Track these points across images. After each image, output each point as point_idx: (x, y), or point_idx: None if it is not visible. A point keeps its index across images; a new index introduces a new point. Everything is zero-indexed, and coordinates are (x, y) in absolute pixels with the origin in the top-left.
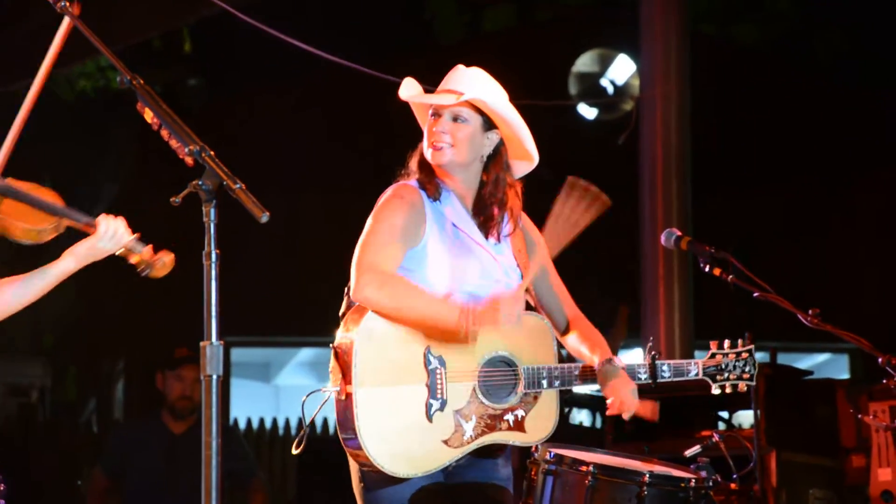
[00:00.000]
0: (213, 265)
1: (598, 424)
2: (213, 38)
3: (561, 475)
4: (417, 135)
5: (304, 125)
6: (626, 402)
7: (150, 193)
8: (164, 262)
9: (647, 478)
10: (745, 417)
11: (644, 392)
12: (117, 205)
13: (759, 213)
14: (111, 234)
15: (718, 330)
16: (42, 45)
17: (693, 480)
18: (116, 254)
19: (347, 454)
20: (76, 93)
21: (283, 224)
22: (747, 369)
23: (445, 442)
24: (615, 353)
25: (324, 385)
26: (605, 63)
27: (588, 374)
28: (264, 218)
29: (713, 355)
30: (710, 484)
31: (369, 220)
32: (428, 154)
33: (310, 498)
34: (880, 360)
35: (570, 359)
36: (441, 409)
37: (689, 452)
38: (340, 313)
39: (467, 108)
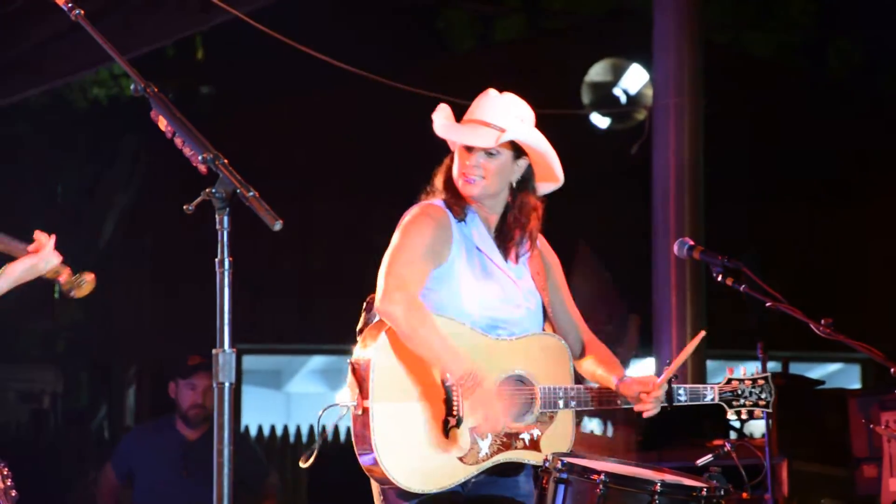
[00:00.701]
0: (227, 273)
1: (609, 433)
2: (226, 46)
3: (572, 484)
4: (428, 143)
5: (318, 133)
6: (653, 387)
7: (162, 201)
8: (87, 281)
9: (658, 486)
10: (757, 427)
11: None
12: (129, 212)
13: (772, 222)
14: (48, 256)
15: (731, 340)
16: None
17: (705, 489)
18: (45, 275)
19: (364, 470)
20: (89, 101)
21: (296, 232)
22: (763, 396)
23: (461, 459)
24: (627, 363)
25: (335, 392)
26: (617, 72)
27: (604, 396)
28: (277, 226)
29: (729, 381)
30: (722, 493)
31: (396, 235)
32: (459, 184)
33: None
34: (892, 370)
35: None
36: (457, 425)
37: (700, 461)
38: (358, 329)
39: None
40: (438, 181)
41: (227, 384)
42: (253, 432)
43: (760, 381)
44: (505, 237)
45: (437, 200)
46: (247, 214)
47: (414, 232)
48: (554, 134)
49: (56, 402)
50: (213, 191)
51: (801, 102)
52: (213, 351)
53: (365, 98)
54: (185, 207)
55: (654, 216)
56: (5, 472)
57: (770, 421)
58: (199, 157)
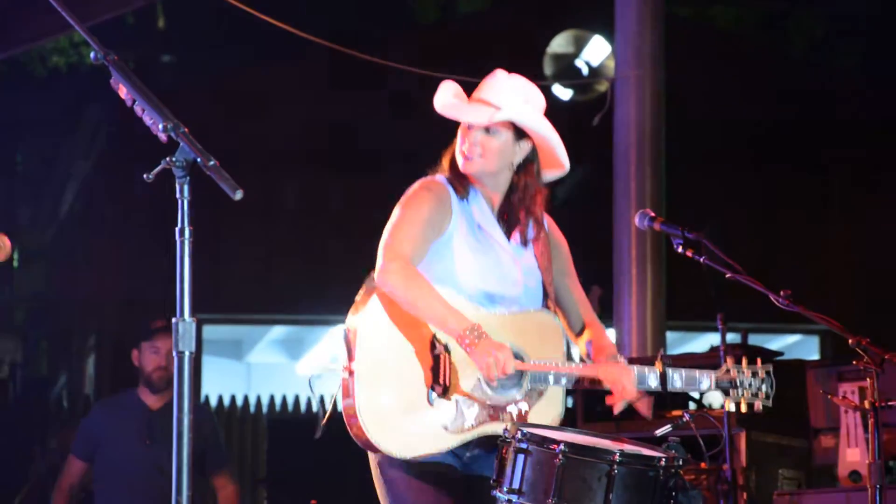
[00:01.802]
0: (187, 242)
1: (570, 404)
2: (187, 14)
3: (532, 454)
4: (394, 115)
5: (281, 103)
6: (627, 388)
7: (122, 170)
8: (3, 246)
9: (617, 456)
10: (716, 397)
11: None
12: (89, 181)
13: (733, 194)
14: None
15: (691, 311)
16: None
17: (663, 459)
18: None
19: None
20: (49, 69)
21: (257, 202)
22: (764, 388)
23: (445, 427)
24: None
25: (296, 363)
26: (579, 44)
27: (593, 374)
28: (238, 195)
29: (727, 370)
30: (681, 463)
31: (397, 209)
32: (459, 161)
33: (280, 475)
34: (850, 341)
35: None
36: (443, 394)
37: (659, 432)
38: (357, 297)
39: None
40: (444, 160)
41: (187, 353)
42: (213, 402)
43: (762, 374)
44: (508, 217)
45: (439, 176)
46: (209, 184)
47: (413, 206)
48: None
49: (16, 372)
50: (174, 160)
51: (762, 75)
52: (173, 320)
53: (327, 69)
54: (144, 176)
55: (615, 188)
56: None
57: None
58: (160, 126)
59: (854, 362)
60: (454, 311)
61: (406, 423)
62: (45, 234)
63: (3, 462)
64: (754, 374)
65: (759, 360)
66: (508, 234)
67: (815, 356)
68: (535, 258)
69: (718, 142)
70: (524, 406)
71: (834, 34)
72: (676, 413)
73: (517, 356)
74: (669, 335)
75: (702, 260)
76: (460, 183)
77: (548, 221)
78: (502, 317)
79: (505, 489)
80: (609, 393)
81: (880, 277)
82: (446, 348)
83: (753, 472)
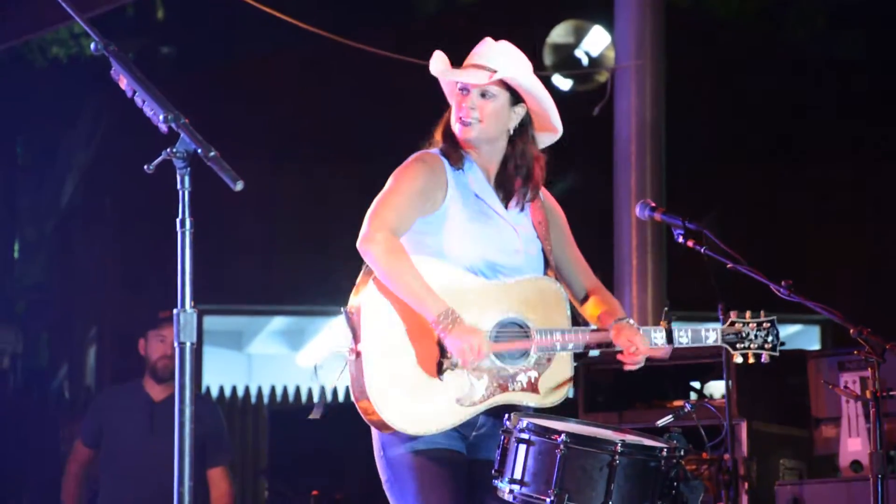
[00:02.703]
0: (188, 233)
1: (571, 395)
2: (186, 5)
3: (534, 444)
4: (394, 106)
5: (281, 94)
6: (639, 346)
7: (123, 161)
8: None
9: (619, 447)
10: (717, 388)
11: None
12: (89, 172)
13: (734, 185)
14: None
15: (691, 301)
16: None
17: (665, 449)
18: None
19: (362, 416)
20: (49, 60)
21: (258, 193)
22: (770, 339)
23: (457, 400)
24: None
25: (296, 353)
26: (579, 34)
27: (602, 339)
28: (239, 186)
29: (732, 323)
30: (682, 453)
31: (389, 180)
32: (456, 128)
33: (281, 466)
34: (851, 331)
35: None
36: (452, 368)
37: (660, 422)
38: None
39: (495, 84)
40: (438, 133)
41: (188, 344)
42: (214, 393)
43: (766, 325)
44: (505, 185)
45: (433, 149)
46: (210, 175)
47: (404, 177)
48: None
49: (16, 363)
50: (174, 150)
51: (762, 65)
52: (175, 311)
53: (329, 60)
54: (145, 167)
55: (615, 178)
56: None
57: (730, 382)
58: (160, 117)
59: (855, 352)
60: (431, 294)
61: (417, 399)
62: (46, 225)
63: (4, 453)
64: (759, 326)
65: (762, 312)
66: (506, 203)
67: (817, 346)
68: (534, 226)
69: (719, 131)
70: (533, 374)
71: (835, 23)
72: (678, 403)
73: (522, 324)
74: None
75: (702, 250)
76: (455, 153)
77: (543, 191)
78: (504, 285)
79: (506, 479)
80: (620, 352)
81: (882, 267)
82: (453, 322)
83: (755, 462)
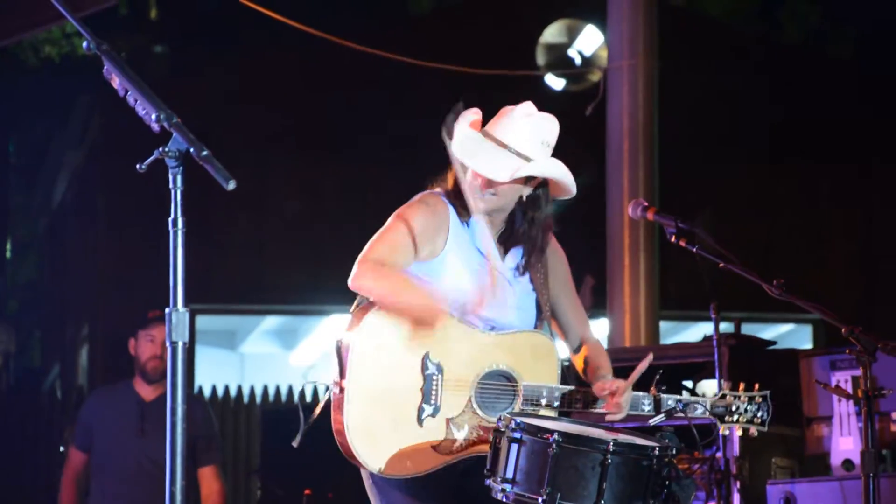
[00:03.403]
0: (180, 232)
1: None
2: (179, 4)
3: (525, 443)
4: (387, 106)
5: (274, 93)
6: (622, 405)
7: (115, 160)
8: None
9: (611, 446)
10: (709, 387)
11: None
12: (81, 172)
13: (727, 184)
14: None
15: (684, 301)
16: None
17: (657, 449)
18: None
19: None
20: (41, 59)
21: (251, 192)
22: (759, 414)
23: (435, 448)
24: None
25: (289, 353)
26: (572, 34)
27: (589, 397)
28: (231, 185)
29: (723, 396)
30: (674, 452)
31: (389, 219)
32: (469, 200)
33: (274, 465)
34: (843, 330)
35: (578, 381)
36: (433, 415)
37: (653, 421)
38: (351, 310)
39: None
40: (450, 176)
41: (180, 343)
42: (207, 392)
43: (759, 399)
44: (507, 239)
45: (439, 191)
46: (202, 174)
47: (405, 217)
48: (508, 95)
49: (9, 362)
50: (166, 150)
51: (755, 64)
52: (167, 310)
53: (321, 59)
54: (137, 166)
55: (608, 177)
56: None
57: (722, 381)
58: (153, 116)
59: (847, 351)
60: (430, 293)
61: (395, 442)
62: (38, 224)
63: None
64: (751, 400)
65: (756, 386)
66: (505, 253)
67: (809, 345)
68: (531, 279)
69: (712, 131)
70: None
71: (828, 23)
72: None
73: (510, 377)
74: (662, 325)
75: (695, 249)
76: (464, 206)
77: (552, 241)
78: (496, 337)
79: (499, 479)
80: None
81: (876, 266)
82: (438, 368)
83: (747, 461)
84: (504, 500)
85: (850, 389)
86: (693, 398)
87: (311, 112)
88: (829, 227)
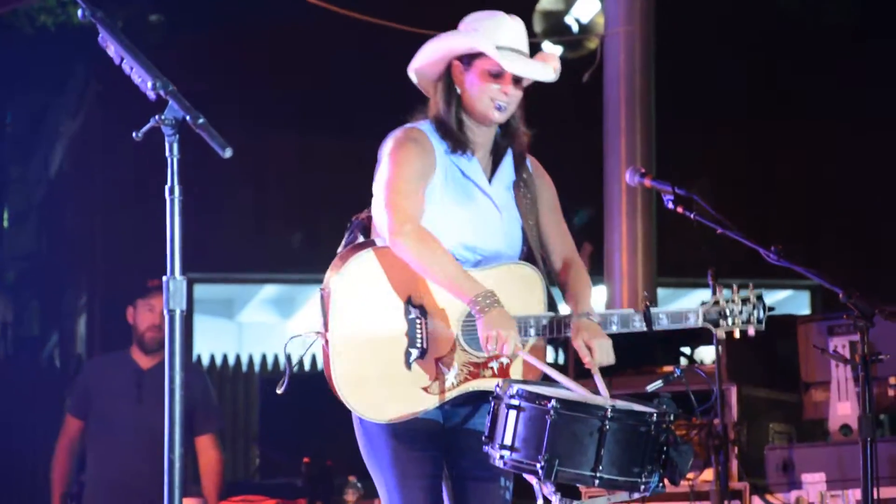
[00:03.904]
0: (177, 200)
1: (562, 360)
2: None
3: (523, 410)
4: (388, 74)
5: (272, 63)
6: (594, 353)
7: (111, 128)
8: None
9: (608, 412)
10: (707, 353)
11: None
12: (78, 141)
13: (724, 150)
14: None
15: (681, 267)
16: None
17: (655, 415)
18: None
19: None
20: (36, 28)
21: (248, 160)
22: (756, 314)
23: (425, 389)
24: None
25: (287, 321)
26: (569, 1)
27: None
28: (227, 152)
29: (716, 301)
30: (672, 418)
31: (387, 162)
32: (488, 111)
33: (273, 434)
34: (841, 295)
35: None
36: (421, 356)
37: (650, 387)
38: (339, 249)
39: None
40: (432, 109)
41: (178, 311)
42: (205, 361)
43: (753, 299)
44: (494, 159)
45: (420, 124)
46: (198, 142)
47: (402, 160)
48: None
49: (6, 331)
50: (163, 118)
51: (753, 30)
52: (164, 278)
53: (320, 28)
54: (133, 135)
55: (605, 144)
56: None
57: (719, 347)
58: (148, 84)
59: (845, 316)
60: (469, 277)
61: (385, 387)
62: (35, 194)
63: None
64: (745, 301)
65: (750, 286)
66: (491, 176)
67: (806, 311)
68: (517, 204)
69: (709, 97)
70: (505, 360)
71: None
72: (668, 369)
73: None
74: (660, 291)
75: (692, 216)
76: (462, 137)
77: (534, 163)
78: (480, 272)
79: (497, 445)
80: None
81: (873, 231)
82: (421, 311)
83: (744, 427)
84: (502, 466)
85: (847, 355)
86: (685, 308)
87: (310, 79)
88: (827, 192)
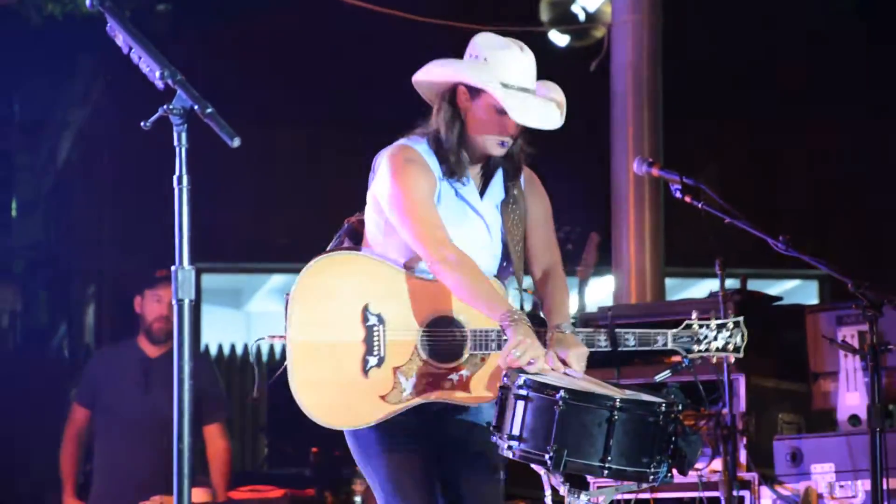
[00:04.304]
0: (185, 190)
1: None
2: None
3: (532, 400)
4: (393, 65)
5: (279, 52)
6: (574, 366)
7: (119, 118)
8: None
9: (617, 402)
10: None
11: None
12: (86, 130)
13: (731, 139)
14: None
15: (689, 257)
16: None
17: (663, 405)
18: None
19: None
20: (44, 17)
21: (255, 149)
22: (732, 340)
23: (383, 397)
24: (586, 281)
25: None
26: None
27: (542, 340)
28: (235, 142)
29: (688, 326)
30: (680, 408)
31: (394, 187)
32: (490, 145)
33: (281, 423)
34: (850, 285)
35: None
36: (378, 365)
37: (659, 377)
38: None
39: None
40: (444, 134)
41: (186, 301)
42: (213, 351)
43: (731, 325)
44: (485, 174)
45: (415, 143)
46: (206, 131)
47: (411, 185)
48: None
49: (15, 321)
50: (171, 107)
51: (761, 20)
52: (172, 268)
53: (325, 15)
54: (142, 124)
55: (612, 134)
56: None
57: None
58: (157, 74)
59: (853, 306)
60: (499, 297)
61: (342, 395)
62: (43, 183)
63: (4, 411)
64: (721, 328)
65: (731, 313)
66: (482, 191)
67: (815, 301)
68: (503, 218)
69: (716, 86)
70: (465, 373)
71: None
72: (676, 359)
73: (456, 322)
74: (668, 281)
75: (700, 205)
76: (452, 162)
77: (529, 178)
78: (442, 284)
79: (505, 436)
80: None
81: (881, 221)
82: (379, 319)
83: (753, 417)
84: (511, 456)
85: (856, 344)
86: (654, 330)
87: (318, 68)
88: (835, 181)
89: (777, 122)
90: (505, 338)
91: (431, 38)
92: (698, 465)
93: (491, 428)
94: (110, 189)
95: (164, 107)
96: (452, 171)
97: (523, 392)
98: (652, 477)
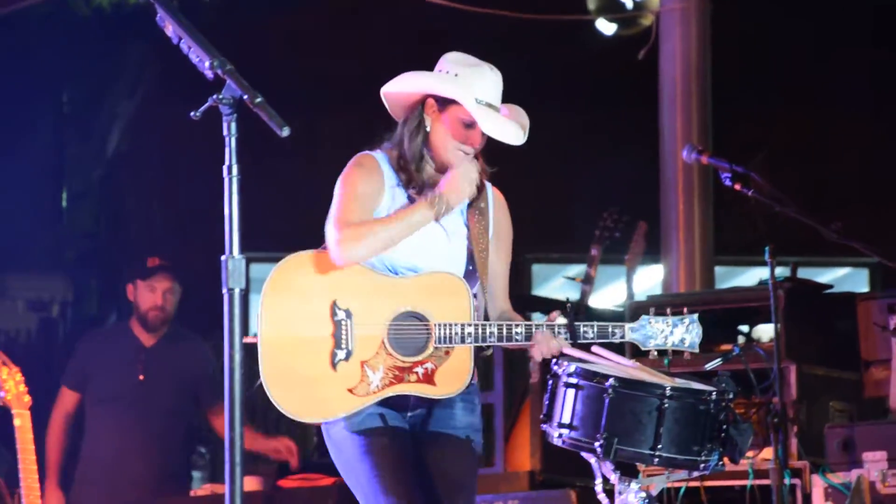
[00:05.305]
0: (234, 179)
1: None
2: None
3: (582, 388)
4: (438, 49)
5: (326, 40)
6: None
7: (169, 108)
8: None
9: (667, 390)
10: (766, 331)
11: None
12: (136, 121)
13: (782, 126)
14: None
15: (738, 245)
16: None
17: (714, 393)
18: None
19: None
20: (92, 8)
21: (305, 139)
22: (688, 336)
23: (350, 390)
24: (634, 269)
25: None
26: None
27: (504, 332)
28: (285, 131)
29: (645, 322)
30: (731, 396)
31: (336, 188)
32: (454, 157)
33: None
34: None
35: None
36: (346, 358)
37: (709, 366)
38: None
39: None
40: (406, 144)
41: (237, 290)
42: None
43: (686, 321)
44: None
45: (375, 151)
46: (256, 121)
47: (348, 183)
48: (559, 41)
49: (66, 311)
50: (220, 97)
51: (809, 5)
52: (222, 258)
53: (375, 5)
54: (192, 114)
55: (661, 122)
56: (18, 378)
57: (779, 325)
58: (206, 63)
59: None
60: (407, 212)
61: (310, 388)
62: (93, 174)
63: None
64: (677, 323)
65: (684, 309)
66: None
67: (866, 288)
68: (468, 228)
69: (766, 73)
70: (430, 366)
71: None
72: (726, 347)
73: (420, 317)
74: (718, 269)
75: (750, 193)
76: (409, 173)
77: (497, 197)
78: (408, 280)
79: (555, 424)
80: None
81: None
82: (347, 314)
83: (804, 406)
84: (561, 444)
85: None
86: (612, 324)
87: (366, 58)
88: (886, 167)
89: (829, 109)
90: (469, 331)
91: (478, 27)
92: (749, 454)
93: (541, 417)
94: (160, 179)
95: (214, 96)
96: (410, 179)
97: (573, 380)
98: (703, 465)
